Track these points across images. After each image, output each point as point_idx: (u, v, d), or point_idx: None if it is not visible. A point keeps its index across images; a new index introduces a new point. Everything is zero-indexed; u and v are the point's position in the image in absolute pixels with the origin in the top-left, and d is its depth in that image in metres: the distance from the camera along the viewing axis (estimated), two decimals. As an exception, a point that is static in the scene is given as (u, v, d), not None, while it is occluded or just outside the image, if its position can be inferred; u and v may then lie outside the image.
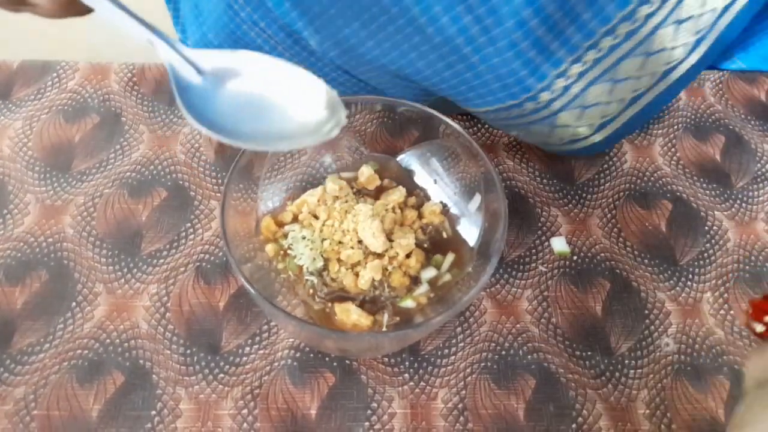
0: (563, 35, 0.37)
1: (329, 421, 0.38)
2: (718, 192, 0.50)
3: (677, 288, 0.45)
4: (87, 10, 0.32)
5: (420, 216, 0.42)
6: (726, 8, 0.38)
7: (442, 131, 0.42)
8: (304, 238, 0.39)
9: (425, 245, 0.41)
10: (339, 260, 0.39)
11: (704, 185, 0.51)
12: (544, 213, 0.48)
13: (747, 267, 0.46)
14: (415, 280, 0.39)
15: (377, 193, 0.43)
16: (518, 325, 0.42)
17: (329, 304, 0.38)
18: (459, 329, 0.42)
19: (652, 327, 0.43)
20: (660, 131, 0.54)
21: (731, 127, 0.55)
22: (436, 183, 0.44)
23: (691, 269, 0.46)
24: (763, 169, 0.52)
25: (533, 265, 0.45)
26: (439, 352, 0.41)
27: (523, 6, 0.35)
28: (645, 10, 0.36)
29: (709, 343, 0.42)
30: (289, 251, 0.39)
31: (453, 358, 0.41)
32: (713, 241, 0.47)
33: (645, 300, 0.44)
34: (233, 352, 0.40)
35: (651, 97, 0.42)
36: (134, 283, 0.43)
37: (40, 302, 0.41)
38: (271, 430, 0.37)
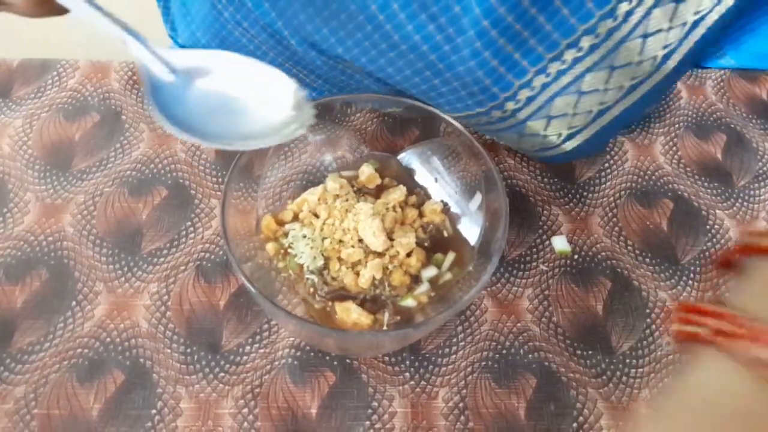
0: (525, 46, 0.37)
1: (330, 420, 0.38)
2: (719, 191, 0.50)
3: (678, 287, 0.45)
4: (63, 10, 0.33)
5: (421, 215, 0.42)
6: (696, 23, 0.37)
7: (443, 130, 0.42)
8: (304, 236, 0.39)
9: (426, 244, 0.41)
10: (339, 259, 0.39)
11: (705, 184, 0.51)
12: (545, 212, 0.48)
13: (748, 266, 0.46)
14: (416, 279, 0.39)
15: (378, 192, 0.43)
16: (519, 324, 0.42)
17: (330, 303, 0.38)
18: (460, 328, 0.42)
19: (654, 326, 0.43)
20: (661, 130, 0.54)
21: (733, 125, 0.54)
22: (437, 182, 0.44)
23: (692, 268, 0.46)
24: (765, 168, 0.52)
25: (534, 264, 0.45)
26: (440, 351, 0.41)
27: (482, 16, 0.35)
28: (608, 24, 0.36)
29: (711, 342, 0.42)
30: (289, 250, 0.39)
31: (454, 357, 0.41)
32: (714, 240, 0.47)
33: (646, 299, 0.44)
34: (234, 350, 0.40)
35: (618, 111, 0.42)
36: (134, 281, 0.43)
37: (41, 301, 0.41)
38: (272, 429, 0.37)
